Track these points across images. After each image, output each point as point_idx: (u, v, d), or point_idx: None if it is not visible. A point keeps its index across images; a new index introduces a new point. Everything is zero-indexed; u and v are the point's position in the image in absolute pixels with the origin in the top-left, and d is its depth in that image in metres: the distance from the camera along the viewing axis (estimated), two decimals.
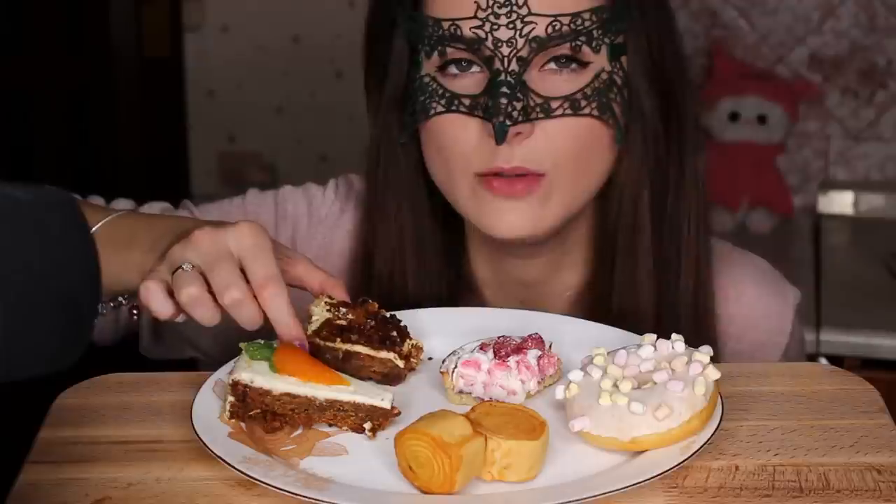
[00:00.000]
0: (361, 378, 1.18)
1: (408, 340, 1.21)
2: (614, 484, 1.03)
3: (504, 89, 1.28)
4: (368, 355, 1.20)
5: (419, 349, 1.22)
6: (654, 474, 1.04)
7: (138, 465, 1.10)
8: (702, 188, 1.40)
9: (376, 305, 1.22)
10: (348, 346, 1.19)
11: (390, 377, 1.21)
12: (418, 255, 1.41)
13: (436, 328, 1.28)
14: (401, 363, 1.20)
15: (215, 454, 1.07)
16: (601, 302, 1.39)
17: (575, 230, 1.40)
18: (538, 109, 1.30)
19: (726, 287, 1.43)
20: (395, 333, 1.20)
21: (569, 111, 1.30)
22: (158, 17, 3.28)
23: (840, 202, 3.02)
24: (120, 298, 1.36)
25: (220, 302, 1.15)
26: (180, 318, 1.17)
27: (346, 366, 1.19)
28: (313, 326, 1.19)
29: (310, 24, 3.20)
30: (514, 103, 1.28)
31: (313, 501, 1.02)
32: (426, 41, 1.32)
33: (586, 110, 1.31)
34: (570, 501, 1.01)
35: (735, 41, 3.02)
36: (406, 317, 1.26)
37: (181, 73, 3.30)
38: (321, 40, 3.17)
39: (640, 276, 1.38)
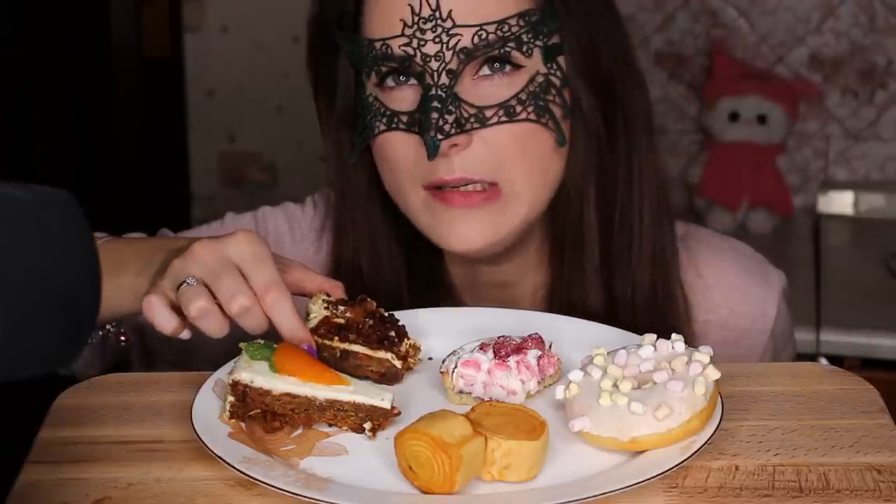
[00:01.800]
0: (359, 377, 1.18)
1: (406, 340, 1.21)
2: (614, 484, 1.03)
3: (435, 104, 1.29)
4: (366, 355, 1.20)
5: (417, 349, 1.22)
6: (654, 474, 1.04)
7: (138, 465, 1.10)
8: (658, 183, 1.40)
9: (374, 304, 1.22)
10: (346, 346, 1.19)
11: (388, 377, 1.21)
12: (379, 266, 1.42)
13: (436, 328, 1.28)
14: (398, 363, 1.20)
15: (215, 454, 1.07)
16: (556, 300, 1.39)
17: (536, 230, 1.40)
18: (472, 119, 1.30)
19: (707, 274, 1.44)
20: (392, 333, 1.20)
21: (504, 118, 1.31)
22: (158, 17, 3.28)
23: (840, 202, 3.02)
24: (108, 326, 1.36)
25: (227, 311, 1.15)
26: (185, 335, 1.18)
27: (344, 365, 1.19)
28: (311, 324, 1.19)
29: None
30: (446, 116, 1.29)
31: (313, 501, 1.02)
32: (364, 62, 1.33)
33: (522, 115, 1.31)
34: (570, 501, 1.01)
35: (735, 41, 3.02)
36: (406, 317, 1.26)
37: (181, 73, 3.30)
38: None
39: (589, 272, 1.38)
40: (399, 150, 1.33)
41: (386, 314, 1.22)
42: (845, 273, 2.74)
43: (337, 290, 1.23)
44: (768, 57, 3.02)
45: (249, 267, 1.17)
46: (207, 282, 1.16)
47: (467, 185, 1.32)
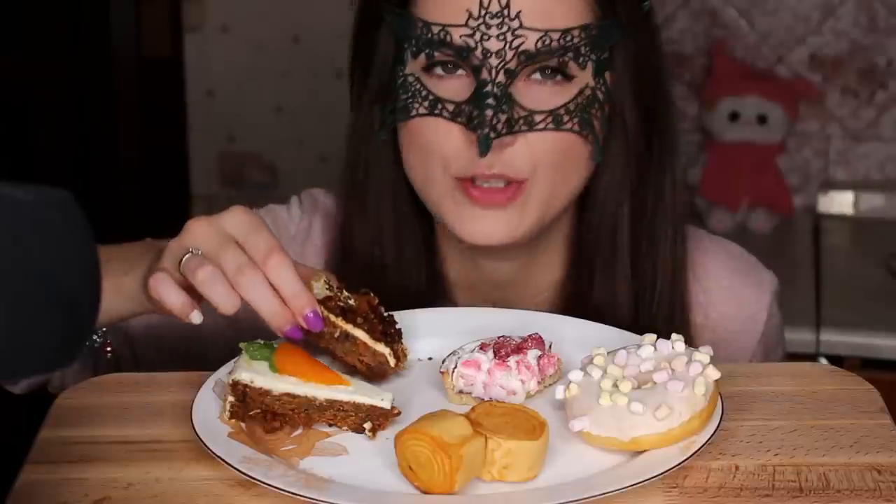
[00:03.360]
0: (346, 364, 1.17)
1: (400, 343, 1.20)
2: (614, 484, 1.03)
3: (490, 101, 1.29)
4: (365, 343, 1.17)
5: (406, 354, 1.21)
6: (654, 474, 1.04)
7: (138, 465, 1.10)
8: (682, 194, 1.42)
9: (377, 300, 1.21)
10: (350, 328, 1.17)
11: (375, 372, 1.19)
12: (398, 247, 1.41)
13: (436, 328, 1.28)
14: (392, 361, 1.19)
15: (215, 454, 1.07)
16: (576, 304, 1.39)
17: (551, 234, 1.41)
18: (522, 122, 1.30)
19: (700, 275, 1.44)
20: (392, 331, 1.20)
21: (551, 125, 1.31)
22: (158, 17, 3.28)
23: (840, 202, 3.02)
24: (94, 337, 1.34)
25: (233, 284, 1.13)
26: (195, 317, 1.15)
27: (338, 346, 1.17)
28: (317, 297, 1.17)
29: (310, 24, 3.20)
30: (500, 115, 1.29)
31: (313, 501, 1.02)
32: (413, 42, 1.32)
33: (568, 125, 1.31)
34: (570, 501, 1.01)
35: (735, 41, 3.02)
36: (406, 317, 1.26)
37: (181, 73, 3.29)
38: (321, 40, 3.17)
39: (619, 282, 1.39)
40: (438, 137, 1.32)
41: (385, 313, 1.21)
42: (845, 273, 2.74)
43: (333, 277, 1.21)
44: (768, 57, 3.02)
45: (247, 237, 1.15)
46: (209, 257, 1.14)
47: (499, 181, 1.32)
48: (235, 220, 1.16)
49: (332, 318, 1.16)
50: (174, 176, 3.34)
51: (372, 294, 1.21)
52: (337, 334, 1.17)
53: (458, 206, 1.33)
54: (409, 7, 1.33)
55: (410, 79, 1.33)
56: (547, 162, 1.32)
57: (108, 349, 1.35)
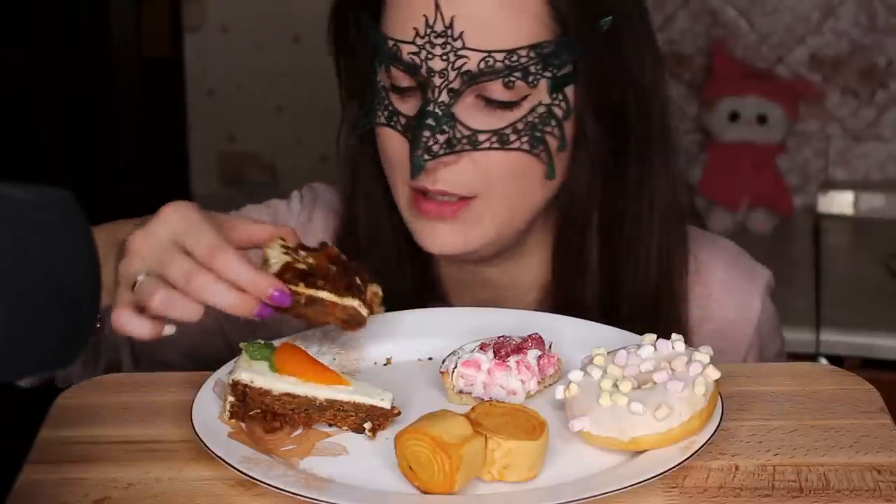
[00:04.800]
0: (322, 324, 1.16)
1: (369, 287, 1.18)
2: (614, 484, 1.03)
3: (430, 121, 1.28)
4: (332, 302, 1.15)
5: (379, 295, 1.19)
6: (654, 474, 1.04)
7: (138, 465, 1.10)
8: (675, 205, 1.39)
9: (336, 250, 1.19)
10: (313, 292, 1.15)
11: (351, 323, 1.17)
12: (378, 248, 1.41)
13: (436, 328, 1.28)
14: (365, 311, 1.17)
15: (215, 454, 1.07)
16: (565, 305, 1.39)
17: (532, 238, 1.40)
18: (465, 141, 1.29)
19: (693, 270, 1.44)
20: (358, 280, 1.17)
21: (496, 145, 1.30)
22: (158, 17, 3.28)
23: (840, 202, 3.02)
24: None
25: (190, 294, 1.12)
26: (168, 330, 1.14)
27: (308, 311, 1.15)
28: (273, 269, 1.14)
29: (310, 24, 3.20)
30: (438, 136, 1.28)
31: (313, 501, 1.02)
32: (378, 54, 1.33)
33: (515, 144, 1.30)
34: (570, 501, 1.01)
35: (735, 41, 3.02)
36: (406, 317, 1.26)
37: (181, 73, 3.29)
38: (321, 40, 3.15)
39: (589, 297, 1.38)
40: (393, 147, 1.33)
41: (347, 260, 1.18)
42: (845, 273, 2.74)
43: (291, 234, 1.19)
44: (768, 57, 3.02)
45: (186, 239, 1.13)
46: (158, 273, 1.13)
47: (445, 196, 1.32)
48: (170, 223, 1.14)
49: (294, 287, 1.14)
50: (174, 176, 3.34)
51: (330, 245, 1.19)
52: (303, 301, 1.15)
53: (415, 216, 1.34)
54: (378, 20, 1.33)
55: (379, 85, 1.34)
56: (495, 180, 1.31)
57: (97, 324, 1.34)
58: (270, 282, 1.12)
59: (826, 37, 3.00)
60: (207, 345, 1.41)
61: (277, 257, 1.15)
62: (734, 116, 2.94)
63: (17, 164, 3.34)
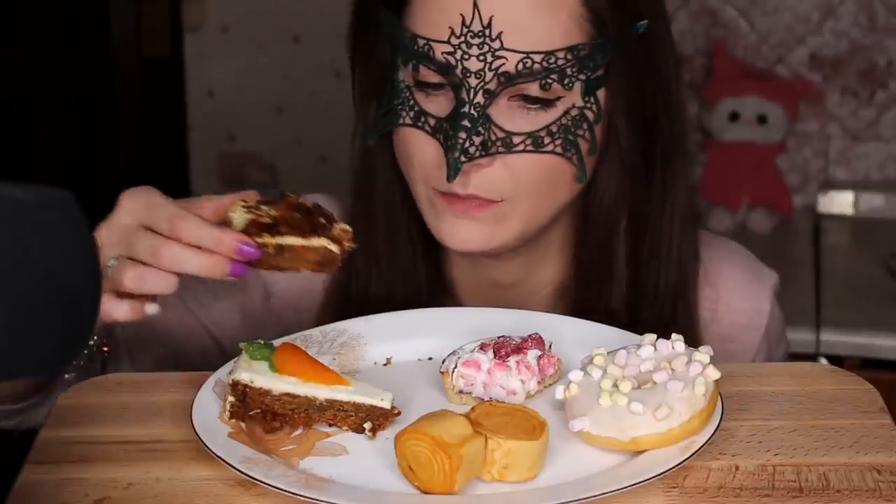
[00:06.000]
0: (297, 270, 1.17)
1: (335, 224, 1.19)
2: (614, 484, 1.03)
3: (465, 122, 1.27)
4: (301, 245, 1.16)
5: (348, 231, 1.19)
6: (654, 474, 1.04)
7: (138, 465, 1.10)
8: (692, 207, 1.40)
9: (296, 196, 1.19)
10: (279, 240, 1.16)
11: (325, 264, 1.17)
12: (393, 250, 1.41)
13: (436, 328, 1.28)
14: (335, 248, 1.17)
15: (215, 454, 1.07)
16: (579, 307, 1.39)
17: (551, 238, 1.40)
18: (499, 144, 1.29)
19: (703, 273, 1.44)
20: (322, 220, 1.18)
21: (531, 147, 1.29)
22: (158, 17, 3.28)
23: (840, 202, 3.02)
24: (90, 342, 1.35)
25: (161, 267, 1.15)
26: (151, 309, 1.17)
27: (281, 260, 1.17)
28: (237, 228, 1.17)
29: (310, 24, 3.20)
30: (474, 138, 1.27)
31: (313, 501, 1.02)
32: (403, 51, 1.31)
33: (549, 147, 1.30)
34: (570, 501, 1.01)
35: (735, 41, 3.02)
36: (406, 317, 1.26)
37: (181, 73, 3.29)
38: (321, 40, 3.17)
39: (619, 288, 1.38)
40: (418, 149, 1.31)
41: (310, 204, 1.19)
42: (845, 273, 2.74)
43: (251, 195, 1.21)
44: (768, 57, 3.02)
45: (147, 218, 1.17)
46: (126, 255, 1.16)
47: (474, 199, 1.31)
48: (129, 208, 1.18)
49: (259, 239, 1.16)
50: (174, 176, 3.34)
51: (288, 193, 1.20)
52: (272, 251, 1.16)
53: (437, 211, 1.33)
54: (402, 17, 1.32)
55: (401, 86, 1.32)
56: (526, 184, 1.30)
57: (105, 349, 1.35)
58: (234, 236, 1.15)
59: (826, 37, 3.00)
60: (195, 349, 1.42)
61: (240, 217, 1.18)
62: (734, 116, 2.94)
63: (17, 164, 3.34)
